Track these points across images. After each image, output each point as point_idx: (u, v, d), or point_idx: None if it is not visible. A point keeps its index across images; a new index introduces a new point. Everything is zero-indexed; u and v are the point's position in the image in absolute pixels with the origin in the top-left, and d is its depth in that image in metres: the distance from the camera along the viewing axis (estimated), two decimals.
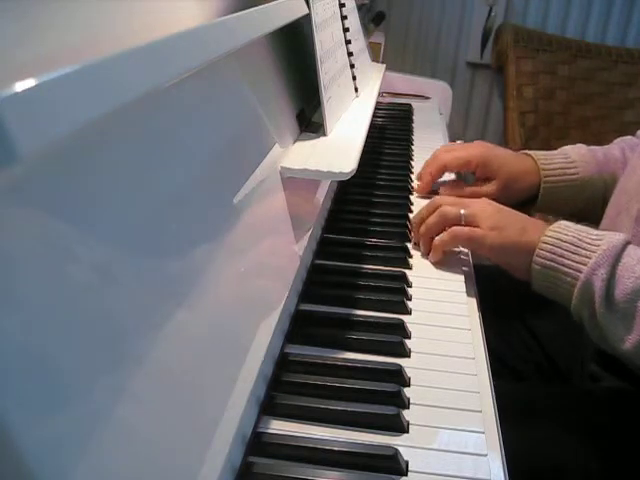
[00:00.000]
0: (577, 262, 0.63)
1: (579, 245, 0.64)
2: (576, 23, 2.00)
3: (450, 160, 0.89)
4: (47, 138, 0.22)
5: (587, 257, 0.62)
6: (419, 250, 0.76)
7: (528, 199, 0.89)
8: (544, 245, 0.65)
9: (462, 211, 0.71)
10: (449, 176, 0.95)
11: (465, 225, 0.71)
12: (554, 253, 0.65)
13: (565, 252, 0.64)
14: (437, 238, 0.73)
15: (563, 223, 0.67)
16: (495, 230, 0.68)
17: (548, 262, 0.65)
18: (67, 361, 0.26)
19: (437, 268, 0.73)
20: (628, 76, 1.96)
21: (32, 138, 0.21)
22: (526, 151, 0.90)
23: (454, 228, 0.71)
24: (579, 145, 0.92)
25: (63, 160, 0.28)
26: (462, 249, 0.76)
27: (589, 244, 0.63)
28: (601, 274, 0.61)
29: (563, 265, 0.64)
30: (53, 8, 0.32)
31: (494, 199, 0.76)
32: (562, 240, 0.65)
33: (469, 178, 0.94)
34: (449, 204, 0.73)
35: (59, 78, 0.23)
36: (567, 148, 0.91)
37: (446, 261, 0.74)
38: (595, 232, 0.65)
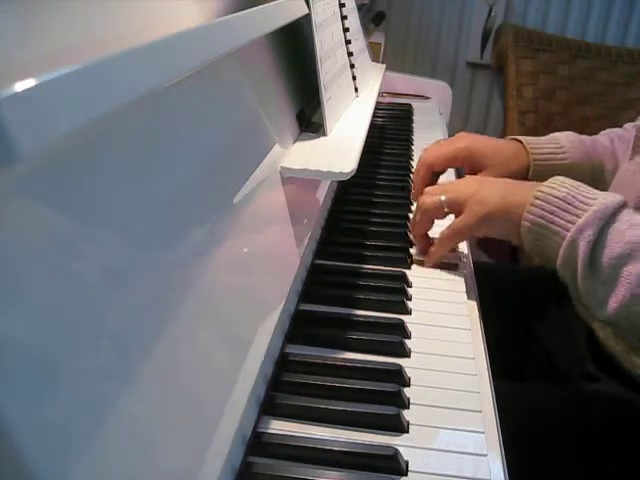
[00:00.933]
0: (567, 220, 0.60)
1: (571, 202, 0.61)
2: (576, 23, 2.00)
3: (435, 158, 0.86)
4: (47, 138, 0.22)
5: (577, 216, 0.60)
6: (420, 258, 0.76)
7: None
8: (536, 201, 0.63)
9: (442, 197, 0.70)
10: (448, 174, 0.94)
11: (448, 212, 0.70)
12: (544, 209, 0.62)
13: (556, 209, 0.61)
14: (428, 255, 0.73)
15: (559, 178, 0.65)
16: (477, 204, 0.67)
17: (538, 219, 0.62)
18: (67, 360, 0.26)
19: (437, 268, 0.73)
20: (628, 76, 1.96)
21: (32, 138, 0.21)
22: (515, 136, 0.89)
23: (440, 233, 0.71)
24: (568, 132, 0.91)
25: (63, 160, 0.28)
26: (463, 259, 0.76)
27: (582, 202, 0.61)
28: (587, 235, 0.58)
29: (552, 223, 0.61)
30: (53, 8, 0.32)
31: None
32: (554, 196, 0.62)
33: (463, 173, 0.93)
34: (429, 193, 0.73)
35: (59, 78, 0.23)
36: (556, 134, 0.90)
37: (446, 261, 0.74)
38: (592, 191, 0.62)
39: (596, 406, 0.70)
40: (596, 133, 0.94)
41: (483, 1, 2.00)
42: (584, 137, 0.90)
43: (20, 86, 0.21)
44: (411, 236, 0.78)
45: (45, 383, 0.24)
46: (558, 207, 0.61)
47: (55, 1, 0.33)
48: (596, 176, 0.86)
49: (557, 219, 0.61)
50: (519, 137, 0.88)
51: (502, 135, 2.01)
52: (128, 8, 0.39)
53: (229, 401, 0.39)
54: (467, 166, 0.86)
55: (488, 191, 0.68)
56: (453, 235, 0.70)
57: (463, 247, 0.78)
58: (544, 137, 0.89)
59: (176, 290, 0.36)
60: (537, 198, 0.63)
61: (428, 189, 0.75)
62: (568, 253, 0.60)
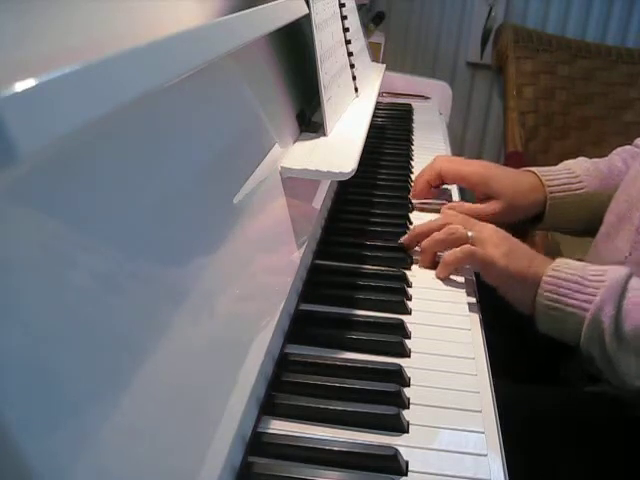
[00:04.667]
0: (582, 300, 0.63)
1: (582, 283, 0.63)
2: (576, 23, 2.00)
3: (448, 171, 0.86)
4: (47, 138, 0.22)
5: (592, 295, 0.62)
6: (413, 252, 0.75)
7: (532, 217, 0.88)
8: (546, 286, 0.65)
9: (470, 233, 0.70)
10: (449, 188, 0.94)
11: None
12: (558, 293, 0.64)
13: (569, 291, 0.64)
14: (449, 254, 0.70)
15: (562, 261, 0.67)
16: (504, 257, 0.67)
17: (553, 303, 0.64)
18: (67, 362, 0.26)
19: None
20: (628, 76, 1.96)
21: (32, 138, 0.21)
22: (528, 168, 0.89)
23: (469, 247, 0.69)
24: (582, 159, 0.91)
25: (63, 160, 0.28)
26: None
27: (592, 281, 0.63)
28: (608, 311, 0.61)
29: (568, 305, 0.64)
30: (53, 8, 0.32)
31: (498, 218, 0.75)
32: (563, 279, 0.64)
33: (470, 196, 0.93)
34: (458, 223, 0.72)
35: (59, 78, 0.23)
36: (570, 162, 0.90)
37: None
38: (595, 267, 0.65)
39: (596, 407, 0.70)
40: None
41: (483, 1, 2.00)
42: (598, 161, 0.90)
43: (20, 86, 0.21)
44: (418, 247, 0.76)
45: (45, 384, 0.24)
46: (570, 289, 0.64)
47: (55, 1, 0.33)
48: None
49: (572, 300, 0.64)
50: (532, 169, 0.88)
51: (502, 135, 2.01)
52: (128, 8, 0.39)
53: (229, 401, 0.39)
54: (479, 192, 0.86)
55: (515, 250, 0.68)
56: (481, 261, 0.69)
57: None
58: (557, 167, 0.89)
59: (176, 290, 0.36)
60: (548, 283, 0.65)
61: (454, 217, 0.75)
62: (592, 330, 0.62)
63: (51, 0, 0.33)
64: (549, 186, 0.85)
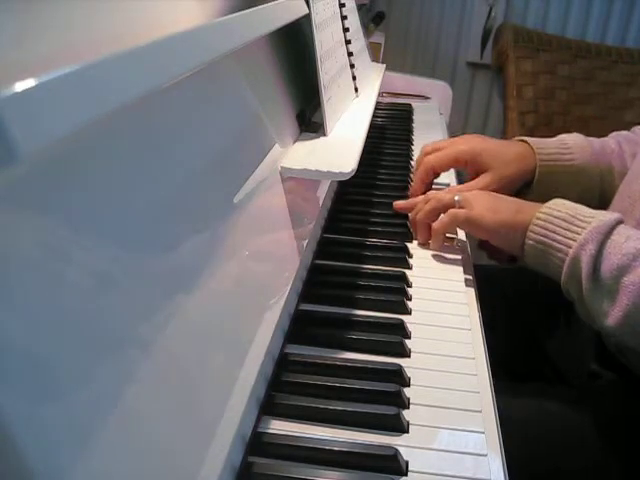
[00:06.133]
0: (568, 238, 0.64)
1: (571, 222, 0.64)
2: (576, 23, 2.00)
3: (436, 161, 0.86)
4: (47, 138, 0.22)
5: (577, 233, 0.63)
6: (420, 248, 0.76)
7: (522, 187, 0.88)
8: (537, 221, 0.66)
9: (456, 197, 0.73)
10: (448, 175, 0.94)
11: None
12: (546, 229, 0.65)
13: (557, 228, 0.65)
14: (435, 222, 0.75)
15: (559, 200, 0.68)
16: (490, 211, 0.70)
17: (540, 237, 0.66)
18: (67, 360, 0.26)
19: (437, 268, 0.73)
20: (628, 76, 1.96)
21: (32, 138, 0.21)
22: (521, 137, 0.89)
23: (452, 210, 0.73)
24: (576, 134, 0.91)
25: (63, 160, 0.28)
26: (459, 243, 0.77)
27: (581, 221, 0.64)
28: (589, 249, 0.61)
29: (554, 240, 0.65)
30: (53, 8, 0.32)
31: (491, 191, 0.76)
32: (555, 216, 0.65)
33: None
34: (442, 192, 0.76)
35: (59, 78, 0.23)
36: (564, 136, 0.90)
37: (446, 261, 0.74)
38: (588, 210, 0.66)
39: (596, 406, 0.70)
40: (596, 133, 0.94)
41: (483, 1, 2.00)
42: (592, 139, 0.90)
43: (20, 86, 0.21)
44: (409, 224, 0.80)
45: (45, 384, 0.24)
46: (559, 226, 0.65)
47: (55, 1, 0.33)
48: (604, 179, 0.86)
49: (559, 237, 0.64)
50: (526, 138, 0.88)
51: (502, 135, 2.01)
52: (128, 8, 0.39)
53: (229, 401, 0.39)
54: (470, 168, 0.86)
55: (501, 203, 0.71)
56: (465, 221, 0.72)
57: (464, 248, 0.78)
58: (551, 139, 0.89)
59: (176, 290, 0.36)
60: (539, 219, 0.66)
61: (439, 192, 0.78)
62: (572, 268, 0.63)
63: (51, 0, 0.33)
64: (539, 154, 0.85)
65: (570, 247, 0.63)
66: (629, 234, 0.61)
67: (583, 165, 0.86)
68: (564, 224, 0.64)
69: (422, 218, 0.76)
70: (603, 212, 0.65)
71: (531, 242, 0.66)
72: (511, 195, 0.77)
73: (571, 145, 0.87)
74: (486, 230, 0.70)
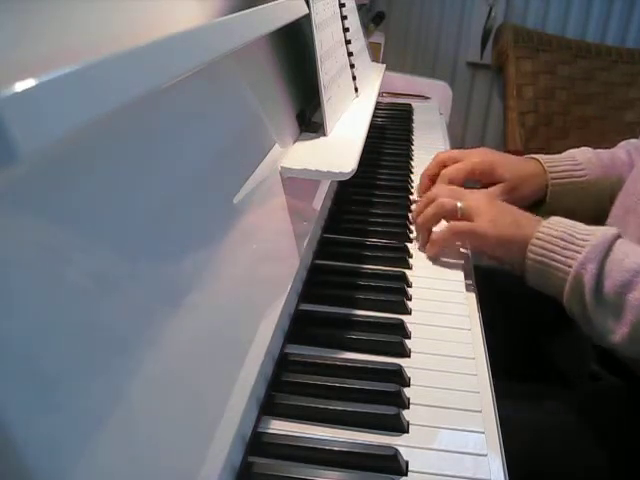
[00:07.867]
0: (567, 257, 0.64)
1: (569, 240, 0.64)
2: (576, 23, 2.00)
3: (455, 175, 0.86)
4: (47, 138, 0.22)
5: (577, 252, 0.63)
6: (420, 250, 0.76)
7: (534, 203, 0.88)
8: (536, 241, 0.66)
9: (459, 204, 0.72)
10: None
11: (461, 218, 0.72)
12: (545, 249, 0.65)
13: (556, 247, 0.65)
14: (436, 233, 0.74)
15: (555, 219, 0.68)
16: (491, 224, 0.70)
17: (540, 257, 0.66)
18: (67, 361, 0.26)
19: (437, 268, 0.73)
20: (628, 76, 1.96)
21: (32, 138, 0.21)
22: (532, 155, 0.89)
23: (453, 224, 0.72)
24: (585, 148, 0.91)
25: (63, 160, 0.28)
26: (460, 245, 0.77)
27: (579, 239, 0.64)
28: (590, 269, 0.61)
29: (554, 260, 0.65)
30: (53, 8, 0.32)
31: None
32: (553, 236, 0.65)
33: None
34: (446, 195, 0.75)
35: (59, 78, 0.23)
36: (573, 151, 0.90)
37: (446, 261, 0.74)
38: (586, 227, 0.66)
39: (596, 406, 0.70)
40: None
41: (483, 1, 2.00)
42: (601, 152, 0.90)
43: (20, 86, 0.21)
44: (413, 227, 0.80)
45: (45, 384, 0.24)
46: (557, 245, 0.65)
47: (55, 1, 0.33)
48: (615, 192, 0.85)
49: (558, 257, 0.65)
50: (535, 156, 0.88)
51: (502, 135, 2.01)
52: (128, 8, 0.39)
53: (229, 401, 0.39)
54: (484, 179, 0.87)
55: (503, 215, 0.71)
56: (467, 235, 0.72)
57: (464, 248, 0.78)
58: (560, 155, 0.89)
59: (176, 290, 0.36)
60: (537, 238, 0.66)
61: (443, 189, 0.77)
62: (574, 288, 0.63)
63: (51, 0, 0.33)
64: (551, 172, 0.86)
65: (570, 266, 0.63)
66: (628, 250, 0.62)
67: (594, 180, 0.87)
68: (562, 243, 0.65)
69: (423, 222, 0.75)
70: (601, 228, 0.65)
71: (531, 262, 0.67)
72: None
73: (581, 161, 0.87)
74: (487, 245, 0.70)
